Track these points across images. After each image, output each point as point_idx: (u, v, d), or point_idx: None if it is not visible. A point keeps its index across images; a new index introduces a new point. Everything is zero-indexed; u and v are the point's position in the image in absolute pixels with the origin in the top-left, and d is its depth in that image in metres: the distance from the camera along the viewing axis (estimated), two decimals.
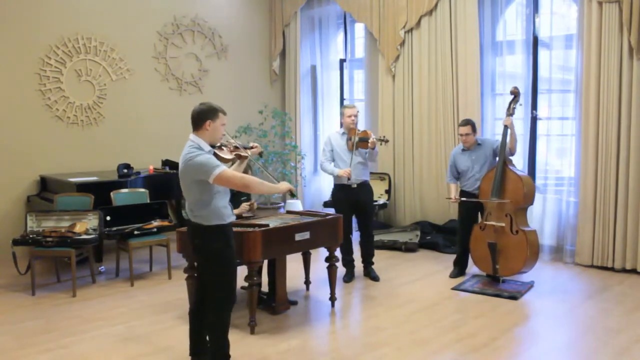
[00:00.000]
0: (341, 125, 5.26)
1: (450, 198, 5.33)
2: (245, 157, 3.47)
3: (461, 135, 5.17)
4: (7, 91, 5.97)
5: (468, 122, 5.18)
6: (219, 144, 3.32)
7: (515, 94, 5.06)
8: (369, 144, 4.95)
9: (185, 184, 3.16)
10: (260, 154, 3.91)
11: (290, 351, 3.69)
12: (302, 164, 7.99)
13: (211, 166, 3.04)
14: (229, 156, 3.35)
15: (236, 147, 3.44)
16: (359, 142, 5.01)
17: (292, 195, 3.50)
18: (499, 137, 5.16)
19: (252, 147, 3.59)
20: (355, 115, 5.13)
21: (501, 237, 4.92)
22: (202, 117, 3.14)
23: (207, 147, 3.17)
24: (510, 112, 5.04)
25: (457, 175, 5.33)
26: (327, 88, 8.12)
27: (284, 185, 3.40)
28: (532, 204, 5.05)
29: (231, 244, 3.24)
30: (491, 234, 4.97)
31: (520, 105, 5.16)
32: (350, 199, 5.13)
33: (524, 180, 4.89)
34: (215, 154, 3.23)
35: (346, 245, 5.22)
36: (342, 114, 5.19)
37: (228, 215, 3.23)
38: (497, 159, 5.03)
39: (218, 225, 3.17)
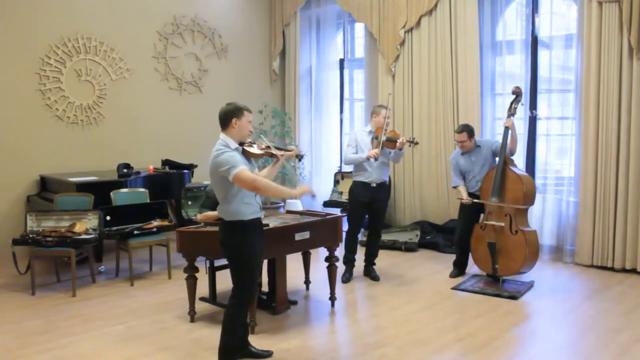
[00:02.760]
0: (368, 123, 5.27)
1: (461, 198, 5.17)
2: (277, 156, 3.56)
3: (457, 141, 5.17)
4: (7, 91, 5.97)
5: (464, 129, 5.12)
6: (249, 141, 3.43)
7: (518, 93, 5.04)
8: (398, 145, 4.93)
9: (213, 181, 3.30)
10: (299, 157, 3.94)
11: (290, 351, 3.69)
12: (302, 163, 7.99)
13: (232, 165, 3.15)
14: (258, 152, 3.45)
15: (267, 147, 3.52)
16: (386, 142, 4.98)
17: (313, 196, 3.57)
18: (499, 137, 5.15)
19: (288, 150, 3.67)
20: (389, 117, 5.12)
21: (500, 237, 4.92)
22: (228, 116, 3.30)
23: (234, 145, 3.30)
24: (511, 111, 5.01)
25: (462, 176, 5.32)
26: (327, 88, 8.10)
27: (301, 189, 3.40)
28: (532, 204, 5.04)
29: (249, 240, 3.29)
30: (491, 234, 4.96)
31: (522, 105, 5.15)
32: (368, 197, 5.12)
33: (524, 180, 4.88)
34: (244, 150, 3.36)
35: (351, 244, 5.22)
36: (376, 113, 5.11)
37: (251, 212, 3.30)
38: (498, 159, 5.03)
39: (237, 221, 3.27)
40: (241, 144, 3.38)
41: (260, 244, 3.40)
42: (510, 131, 4.94)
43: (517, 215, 4.89)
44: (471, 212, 5.20)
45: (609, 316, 4.25)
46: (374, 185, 5.10)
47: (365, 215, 5.30)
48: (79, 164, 6.42)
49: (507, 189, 4.91)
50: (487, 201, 4.96)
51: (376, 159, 4.98)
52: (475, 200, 5.07)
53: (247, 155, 3.39)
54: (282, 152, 3.64)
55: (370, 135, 5.13)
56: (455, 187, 5.35)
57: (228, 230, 3.31)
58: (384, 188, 5.23)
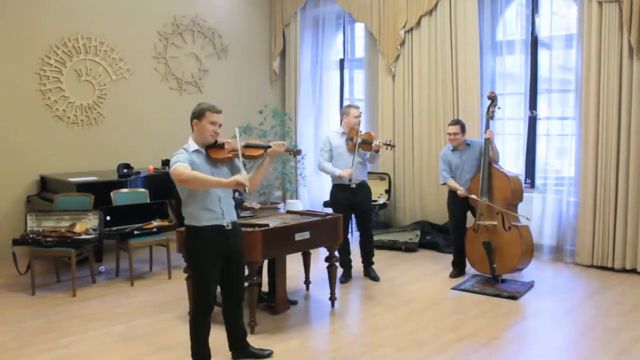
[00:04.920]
0: (341, 124, 5.25)
1: (458, 189, 5.12)
2: (252, 157, 3.33)
3: (449, 134, 5.21)
4: (7, 91, 5.97)
5: (457, 122, 5.23)
6: (221, 143, 3.25)
7: (493, 98, 5.15)
8: (373, 147, 4.94)
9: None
10: (292, 153, 3.56)
11: (290, 351, 3.69)
12: (302, 164, 7.99)
13: (171, 164, 3.09)
14: (219, 155, 3.23)
15: (234, 149, 3.21)
16: (361, 144, 4.98)
17: (243, 191, 3.18)
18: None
19: (268, 147, 3.33)
20: (360, 116, 5.13)
21: (494, 235, 4.94)
22: (191, 117, 3.22)
23: (194, 147, 3.20)
24: (489, 115, 5.12)
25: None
26: (327, 88, 8.11)
27: (233, 179, 3.02)
28: (521, 200, 5.09)
29: (201, 247, 3.16)
30: (484, 234, 4.99)
31: (499, 108, 5.22)
32: (349, 199, 5.11)
33: (510, 178, 4.95)
34: (207, 154, 3.22)
35: (343, 246, 5.21)
36: (346, 114, 5.12)
37: (208, 218, 3.16)
38: (482, 160, 5.04)
39: (192, 226, 3.19)
40: (209, 147, 3.21)
41: (216, 253, 3.18)
42: (490, 143, 5.00)
43: (508, 211, 4.92)
44: (458, 210, 5.25)
45: (609, 316, 4.25)
46: (354, 186, 5.09)
47: (351, 217, 5.30)
48: (79, 164, 6.42)
49: (495, 188, 4.97)
50: (476, 200, 5.00)
51: (350, 180, 4.97)
52: (472, 196, 5.07)
53: (211, 160, 3.21)
54: (260, 152, 3.31)
55: (343, 137, 5.13)
56: (444, 184, 5.33)
57: (185, 234, 3.25)
58: (365, 188, 5.22)
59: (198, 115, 3.19)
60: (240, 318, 3.49)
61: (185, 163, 3.07)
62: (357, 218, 5.29)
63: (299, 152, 3.61)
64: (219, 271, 3.25)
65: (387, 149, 5.08)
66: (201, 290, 3.22)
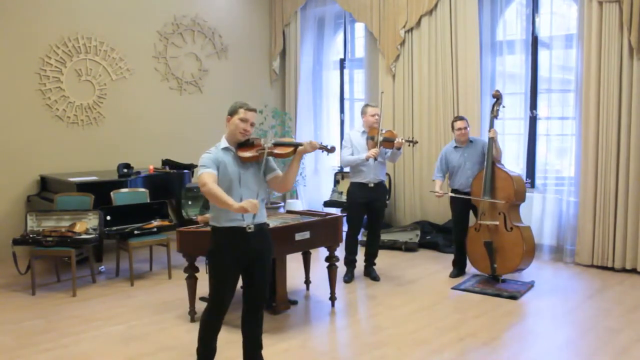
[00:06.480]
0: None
1: (435, 192, 5.24)
2: (280, 156, 3.17)
3: (459, 129, 5.18)
4: (7, 91, 5.97)
5: (463, 118, 5.28)
6: (250, 141, 3.16)
7: (498, 96, 5.11)
8: (395, 145, 4.90)
9: None
10: (326, 150, 3.26)
11: (290, 351, 3.69)
12: (302, 163, 7.97)
13: (199, 167, 3.04)
14: (246, 154, 3.12)
15: (262, 147, 3.10)
16: (383, 142, 4.94)
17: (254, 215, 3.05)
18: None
19: (296, 145, 3.19)
20: (379, 115, 5.08)
21: (496, 235, 4.94)
22: (227, 114, 3.15)
23: (224, 145, 3.12)
24: (494, 114, 5.08)
25: (446, 172, 5.35)
26: (327, 88, 8.11)
27: (241, 205, 2.85)
28: (523, 200, 5.07)
29: (219, 248, 3.10)
30: (486, 233, 4.99)
31: (504, 107, 5.17)
32: (366, 197, 5.10)
33: (513, 178, 4.94)
34: (236, 152, 3.13)
35: (351, 244, 5.21)
36: (364, 113, 5.12)
37: (227, 219, 3.05)
38: (486, 159, 5.04)
39: (214, 227, 3.14)
40: (240, 145, 3.15)
41: (233, 255, 3.08)
42: (493, 143, 4.98)
43: (510, 212, 4.92)
44: (460, 209, 5.26)
45: (609, 316, 4.25)
46: (372, 185, 5.09)
47: (364, 216, 5.30)
48: (79, 164, 6.42)
49: (497, 187, 4.96)
50: (478, 200, 5.00)
51: (376, 159, 4.96)
52: (451, 194, 5.16)
53: (240, 159, 3.12)
54: (289, 151, 3.17)
55: (364, 135, 5.11)
56: (433, 180, 5.40)
57: (211, 234, 3.18)
58: (382, 188, 5.23)
59: (231, 111, 3.13)
60: (255, 330, 3.29)
61: (210, 168, 3.00)
62: (370, 217, 5.28)
63: (333, 149, 3.29)
64: (236, 275, 3.16)
65: (409, 145, 5.05)
66: (215, 292, 3.16)
